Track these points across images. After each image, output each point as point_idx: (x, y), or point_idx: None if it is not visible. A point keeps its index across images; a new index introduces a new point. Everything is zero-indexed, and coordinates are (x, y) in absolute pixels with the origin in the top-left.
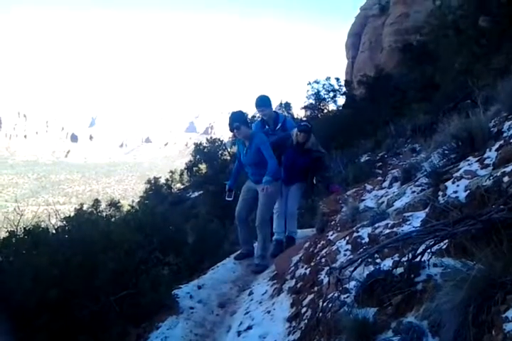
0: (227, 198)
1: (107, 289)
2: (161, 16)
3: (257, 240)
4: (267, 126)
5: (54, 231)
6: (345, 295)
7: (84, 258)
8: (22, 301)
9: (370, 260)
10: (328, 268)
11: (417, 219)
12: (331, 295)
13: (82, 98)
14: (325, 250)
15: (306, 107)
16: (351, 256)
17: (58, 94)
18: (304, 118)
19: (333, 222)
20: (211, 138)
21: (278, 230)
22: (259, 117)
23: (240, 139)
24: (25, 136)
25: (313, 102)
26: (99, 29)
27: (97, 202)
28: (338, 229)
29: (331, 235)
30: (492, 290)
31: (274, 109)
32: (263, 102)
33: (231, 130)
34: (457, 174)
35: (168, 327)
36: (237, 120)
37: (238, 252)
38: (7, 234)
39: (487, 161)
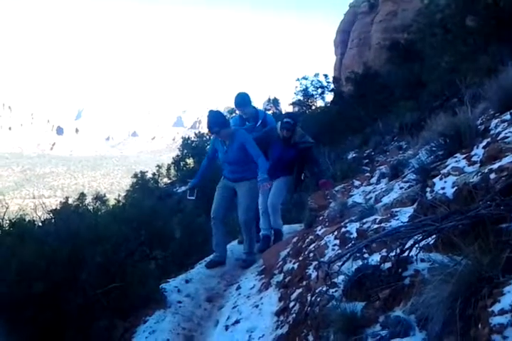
0: (188, 197)
1: (94, 282)
2: (150, 11)
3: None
4: (247, 123)
5: (40, 224)
6: (334, 290)
7: (71, 251)
8: (8, 294)
9: (358, 254)
10: (316, 262)
11: (405, 214)
12: (319, 289)
13: (68, 90)
14: (313, 245)
15: (294, 103)
16: (339, 251)
17: (44, 85)
18: (287, 112)
19: (321, 217)
20: (199, 132)
21: (264, 226)
22: (235, 111)
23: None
24: (9, 128)
25: (302, 98)
26: (88, 22)
27: (82, 195)
28: (327, 224)
29: (319, 230)
30: (479, 284)
31: (261, 106)
32: (242, 101)
33: (211, 133)
34: (445, 170)
35: (156, 320)
36: (216, 124)
37: (209, 259)
38: None
39: (474, 158)
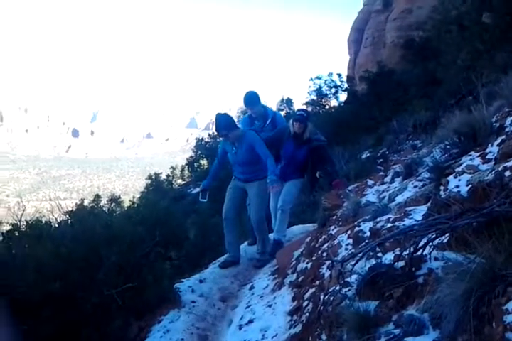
0: (200, 199)
1: (110, 282)
2: (163, 10)
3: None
4: (256, 122)
5: (56, 225)
6: (347, 289)
7: (87, 252)
8: (25, 294)
9: (371, 253)
10: (329, 262)
11: (418, 213)
12: (332, 288)
13: (83, 93)
14: (326, 244)
15: (307, 103)
16: (353, 250)
17: (60, 88)
18: (299, 109)
19: (334, 217)
20: (213, 133)
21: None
22: (247, 112)
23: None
24: (26, 131)
25: (315, 98)
26: (101, 24)
27: (97, 197)
28: (340, 223)
29: (333, 229)
30: (493, 282)
31: (274, 106)
32: (251, 100)
33: (219, 136)
34: (459, 169)
35: (170, 320)
36: (224, 127)
37: (223, 259)
38: (10, 227)
39: (489, 156)
